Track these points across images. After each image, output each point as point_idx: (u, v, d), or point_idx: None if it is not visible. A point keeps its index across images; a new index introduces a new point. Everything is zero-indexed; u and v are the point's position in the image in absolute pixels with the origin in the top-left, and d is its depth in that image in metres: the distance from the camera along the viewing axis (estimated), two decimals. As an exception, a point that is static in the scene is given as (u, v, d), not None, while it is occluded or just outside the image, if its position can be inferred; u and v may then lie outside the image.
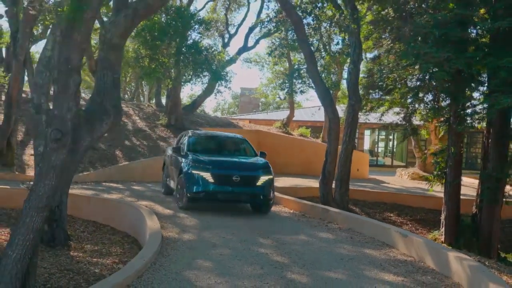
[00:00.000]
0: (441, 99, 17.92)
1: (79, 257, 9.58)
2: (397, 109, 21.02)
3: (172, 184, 15.45)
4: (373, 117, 22.74)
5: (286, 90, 27.06)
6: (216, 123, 27.94)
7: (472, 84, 16.28)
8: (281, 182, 20.76)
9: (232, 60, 25.41)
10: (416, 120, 20.51)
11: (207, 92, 26.02)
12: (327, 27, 21.21)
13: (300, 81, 25.65)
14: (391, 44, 18.07)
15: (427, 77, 15.95)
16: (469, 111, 16.66)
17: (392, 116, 20.85)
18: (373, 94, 20.46)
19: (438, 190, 18.82)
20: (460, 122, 16.36)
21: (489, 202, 16.29)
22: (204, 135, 17.45)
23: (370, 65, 20.19)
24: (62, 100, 6.21)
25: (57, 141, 6.23)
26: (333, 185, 18.33)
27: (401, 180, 28.73)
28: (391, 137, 39.59)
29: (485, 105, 15.34)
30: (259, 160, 15.05)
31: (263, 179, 13.86)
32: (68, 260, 9.15)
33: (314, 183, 19.55)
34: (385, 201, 20.23)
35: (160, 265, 8.51)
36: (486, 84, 16.19)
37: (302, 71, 24.84)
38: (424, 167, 29.68)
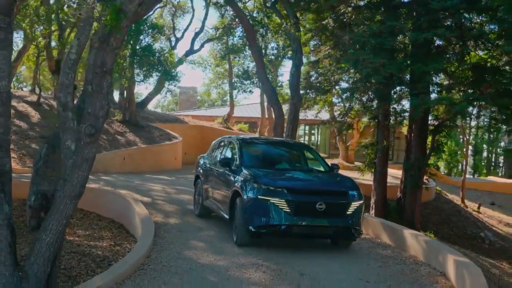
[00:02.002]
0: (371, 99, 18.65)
1: (76, 241, 9.59)
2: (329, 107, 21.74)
3: (217, 206, 10.70)
4: (310, 115, 23.27)
5: (237, 89, 27.41)
6: (165, 119, 27.92)
7: (401, 87, 17.16)
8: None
9: (180, 62, 25.49)
10: (349, 117, 21.20)
11: (157, 90, 26.00)
12: (273, 34, 21.57)
13: (249, 81, 26.03)
14: (329, 50, 18.66)
15: (363, 80, 16.54)
16: (398, 109, 17.57)
17: (326, 114, 21.54)
18: (311, 94, 21.07)
19: (367, 178, 19.56)
20: (389, 119, 17.26)
21: (412, 187, 17.13)
22: (258, 143, 12.49)
23: (309, 68, 20.70)
24: (95, 99, 6.31)
25: (90, 136, 6.34)
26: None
27: (328, 169, 29.49)
28: (313, 131, 40.46)
29: (411, 105, 16.14)
30: (343, 178, 10.52)
31: (354, 205, 9.36)
32: (69, 244, 9.16)
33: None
34: None
35: (161, 246, 8.71)
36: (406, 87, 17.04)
37: (250, 73, 25.23)
38: (347, 157, 30.59)
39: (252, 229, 8.96)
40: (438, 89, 17.14)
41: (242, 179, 9.55)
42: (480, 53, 16.70)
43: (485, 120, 20.28)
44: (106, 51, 6.19)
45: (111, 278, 6.71)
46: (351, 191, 9.57)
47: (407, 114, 17.17)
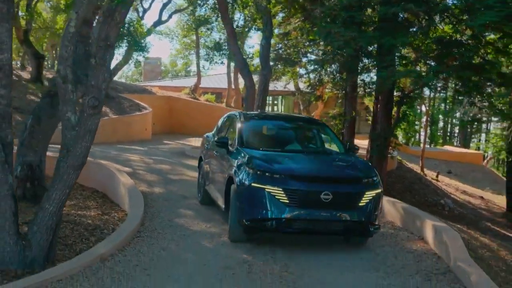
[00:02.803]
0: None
1: (64, 211, 9.58)
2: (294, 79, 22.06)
3: (215, 194, 9.24)
4: (279, 86, 23.53)
5: (209, 61, 27.40)
6: (134, 90, 27.72)
7: (369, 59, 17.52)
8: (199, 142, 21.09)
9: (149, 32, 25.26)
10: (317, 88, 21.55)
11: (126, 61, 25.75)
12: (243, 7, 21.60)
13: (220, 52, 26.04)
14: (299, 23, 18.87)
15: (334, 53, 16.82)
16: (367, 81, 18.00)
17: (291, 85, 21.83)
18: (280, 66, 21.35)
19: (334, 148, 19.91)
20: (356, 90, 17.68)
21: (378, 157, 17.59)
22: (262, 119, 10.60)
23: (278, 40, 20.90)
24: (99, 72, 6.41)
25: (94, 108, 6.45)
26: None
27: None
28: (276, 102, 40.75)
29: (379, 77, 16.52)
30: (357, 161, 8.71)
31: (369, 195, 7.69)
32: (58, 214, 9.21)
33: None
34: None
35: (151, 214, 8.89)
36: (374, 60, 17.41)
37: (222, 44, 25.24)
38: (311, 128, 30.95)
39: (246, 223, 7.44)
40: (404, 62, 17.59)
41: (238, 162, 7.93)
42: (445, 27, 17.17)
43: (443, 92, 20.78)
44: (110, 25, 6.29)
45: (113, 246, 6.89)
46: (365, 177, 7.84)
47: (375, 85, 17.57)
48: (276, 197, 7.30)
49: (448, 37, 16.46)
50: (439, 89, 17.23)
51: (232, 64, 29.72)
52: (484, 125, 41.68)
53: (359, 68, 17.67)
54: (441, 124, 43.01)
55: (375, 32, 16.78)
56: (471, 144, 43.81)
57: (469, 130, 40.85)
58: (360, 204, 7.55)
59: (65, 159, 6.54)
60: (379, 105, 18.20)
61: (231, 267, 6.67)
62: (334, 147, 9.60)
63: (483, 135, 42.47)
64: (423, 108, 34.45)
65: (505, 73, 17.06)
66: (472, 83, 16.84)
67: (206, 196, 9.98)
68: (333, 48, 16.20)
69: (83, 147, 6.53)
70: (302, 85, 27.55)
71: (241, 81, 33.45)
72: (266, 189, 7.33)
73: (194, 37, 33.26)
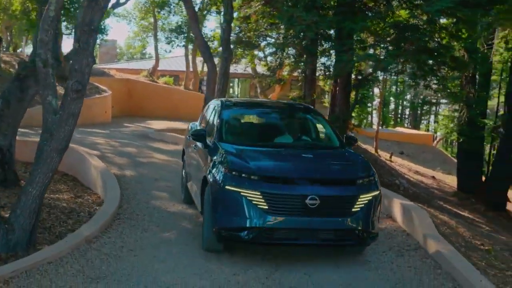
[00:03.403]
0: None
1: (36, 194, 9.60)
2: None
3: (193, 193, 8.11)
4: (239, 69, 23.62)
5: (171, 44, 27.17)
6: (92, 72, 26.94)
7: (328, 43, 17.81)
8: (162, 125, 21.09)
9: (107, 14, 24.85)
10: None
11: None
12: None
13: (182, 36, 25.84)
14: (259, 6, 18.96)
15: (296, 36, 17.01)
16: (327, 65, 18.31)
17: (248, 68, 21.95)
18: (240, 49, 21.42)
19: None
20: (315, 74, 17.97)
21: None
22: (246, 107, 9.44)
23: (239, 23, 20.93)
24: (82, 56, 6.43)
25: (77, 92, 6.48)
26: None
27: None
28: (231, 84, 40.77)
29: (338, 60, 16.84)
30: (352, 158, 7.48)
31: (364, 199, 6.56)
32: (31, 197, 9.17)
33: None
34: None
35: (127, 197, 8.95)
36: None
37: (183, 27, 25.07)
38: (268, 110, 31.18)
39: (220, 232, 6.35)
40: (361, 46, 17.96)
41: (213, 160, 6.82)
42: (401, 12, 17.57)
43: (400, 75, 21.27)
44: (94, 9, 6.29)
45: (96, 228, 6.96)
46: (360, 177, 6.68)
47: (335, 69, 17.87)
48: (254, 202, 6.16)
49: (404, 22, 16.91)
50: (397, 72, 17.56)
51: (190, 46, 29.62)
52: (433, 107, 42.81)
53: (318, 51, 17.98)
54: (392, 106, 43.94)
55: (335, 16, 17.12)
56: (421, 126, 45.08)
57: (419, 112, 41.89)
58: (353, 209, 6.38)
59: (49, 143, 6.55)
60: (337, 88, 18.55)
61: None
62: (326, 139, 8.33)
63: (432, 116, 43.64)
64: (376, 91, 35.11)
65: (457, 57, 17.57)
66: (427, 66, 17.39)
67: (188, 195, 8.68)
68: (295, 32, 16.37)
69: (66, 130, 6.55)
70: (259, 68, 27.74)
71: (199, 64, 33.46)
72: (242, 193, 6.20)
73: (152, 20, 32.91)
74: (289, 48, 18.71)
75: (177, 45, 27.70)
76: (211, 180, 6.62)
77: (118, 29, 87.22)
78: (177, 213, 8.37)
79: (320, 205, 6.22)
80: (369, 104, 39.25)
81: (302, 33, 15.91)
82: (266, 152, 7.17)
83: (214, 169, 6.66)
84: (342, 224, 6.39)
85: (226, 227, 6.33)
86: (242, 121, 8.64)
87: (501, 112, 22.08)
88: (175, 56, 40.78)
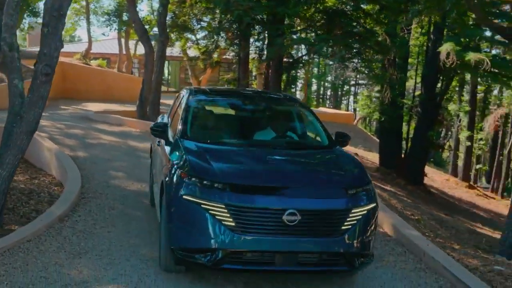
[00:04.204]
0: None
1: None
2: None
3: (156, 197, 6.45)
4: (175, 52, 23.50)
5: (109, 27, 26.51)
6: (25, 56, 26.08)
7: (262, 27, 18.09)
8: (99, 107, 20.77)
9: (39, -3, 24.00)
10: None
11: (17, 26, 24.24)
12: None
13: (118, 19, 25.28)
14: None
15: (233, 21, 17.16)
16: (260, 47, 18.59)
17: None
18: (175, 32, 21.37)
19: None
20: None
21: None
22: (217, 96, 7.64)
23: (174, 7, 20.84)
24: (51, 40, 6.38)
25: (46, 75, 6.43)
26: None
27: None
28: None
29: (271, 44, 17.17)
30: (343, 159, 5.98)
31: (357, 213, 5.08)
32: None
33: (128, 108, 20.19)
34: None
35: (86, 176, 8.93)
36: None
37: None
38: (199, 92, 31.19)
39: (178, 253, 4.96)
40: (291, 30, 18.36)
41: (172, 161, 5.46)
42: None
43: (331, 59, 21.82)
44: (64, -5, 6.24)
45: (66, 207, 6.96)
46: (352, 187, 5.13)
47: (269, 52, 18.19)
48: (217, 217, 4.73)
49: (333, 8, 17.44)
50: (327, 55, 18.07)
51: (123, 29, 29.13)
52: (352, 88, 44.09)
53: (253, 35, 18.25)
54: (314, 87, 44.85)
55: (269, 2, 17.41)
56: (341, 106, 46.29)
57: (339, 92, 43.02)
58: (343, 226, 4.92)
59: (18, 125, 6.47)
60: (270, 70, 18.92)
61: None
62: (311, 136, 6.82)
63: (352, 97, 44.96)
64: (299, 72, 35.70)
65: (381, 41, 18.28)
66: (354, 50, 18.05)
67: (153, 198, 7.12)
68: (232, 17, 16.53)
69: (36, 113, 6.50)
70: (191, 52, 27.74)
71: (132, 47, 32.98)
72: (202, 205, 4.77)
73: (84, 3, 32.00)
74: (226, 33, 18.84)
75: (115, 29, 27.15)
76: (167, 186, 5.22)
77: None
78: (137, 191, 8.44)
79: (301, 221, 4.73)
80: (292, 86, 39.92)
81: (239, 18, 16.10)
82: (237, 153, 5.66)
83: (172, 172, 5.23)
84: (329, 246, 4.91)
85: (183, 247, 4.91)
86: (213, 113, 6.89)
87: (418, 92, 23.16)
88: (107, 39, 39.83)
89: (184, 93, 7.08)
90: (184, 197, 4.89)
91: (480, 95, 27.72)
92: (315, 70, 43.60)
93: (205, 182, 4.88)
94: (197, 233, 4.83)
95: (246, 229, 4.74)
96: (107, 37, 39.97)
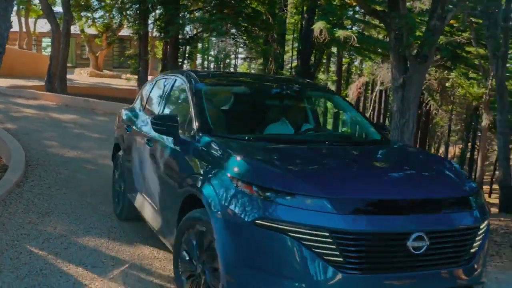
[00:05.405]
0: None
1: None
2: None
3: (151, 213, 4.48)
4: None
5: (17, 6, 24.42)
6: None
7: (163, 7, 17.91)
8: (5, 83, 19.48)
9: None
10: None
11: None
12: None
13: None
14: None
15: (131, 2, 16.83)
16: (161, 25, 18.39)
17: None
18: (77, 12, 20.51)
19: (132, 84, 20.16)
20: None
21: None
22: (229, 82, 5.27)
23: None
24: (1, 21, 6.14)
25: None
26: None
27: (84, 77, 28.77)
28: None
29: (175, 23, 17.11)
30: (425, 155, 4.51)
31: (482, 230, 3.22)
32: None
33: (34, 83, 19.38)
34: (97, 93, 20.38)
35: (24, 147, 8.60)
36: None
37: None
38: (96, 66, 30.18)
39: None
40: (187, 10, 18.39)
41: (209, 167, 3.44)
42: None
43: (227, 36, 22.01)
44: (12, -21, 6.01)
45: (20, 174, 6.78)
46: (471, 193, 3.35)
47: (169, 30, 18.07)
48: (316, 249, 2.82)
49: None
50: (222, 33, 18.28)
51: (23, 8, 27.27)
52: (233, 61, 44.74)
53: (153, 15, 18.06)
54: (199, 61, 44.80)
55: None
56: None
57: (221, 65, 43.47)
58: (472, 249, 3.20)
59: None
60: (168, 46, 18.86)
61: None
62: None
63: (232, 69, 45.42)
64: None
65: (265, 20, 18.84)
66: (244, 28, 18.50)
67: (130, 209, 5.31)
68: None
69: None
70: (89, 30, 26.70)
71: (31, 25, 31.00)
72: (291, 233, 2.85)
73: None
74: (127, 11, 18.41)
75: (21, 8, 25.21)
76: (216, 206, 3.11)
77: None
78: (75, 157, 8.33)
79: (429, 248, 2.96)
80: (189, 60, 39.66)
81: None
82: (302, 153, 3.71)
83: (218, 184, 3.19)
84: (459, 278, 3.14)
85: None
86: (232, 105, 4.77)
87: (294, 64, 24.13)
88: None
89: (177, 80, 4.83)
90: (258, 222, 2.89)
91: (344, 66, 29.35)
92: (199, 45, 43.54)
93: (288, 197, 2.90)
94: (281, 276, 2.84)
95: (361, 265, 2.84)
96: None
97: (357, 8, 20.22)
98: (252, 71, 36.03)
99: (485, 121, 20.35)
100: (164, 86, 5.18)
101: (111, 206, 5.95)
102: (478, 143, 26.37)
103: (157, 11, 18.77)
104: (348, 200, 2.92)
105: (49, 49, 37.93)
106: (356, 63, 30.77)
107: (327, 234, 2.80)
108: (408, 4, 15.17)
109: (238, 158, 3.27)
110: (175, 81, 4.90)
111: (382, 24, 15.78)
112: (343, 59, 27.42)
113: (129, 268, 4.35)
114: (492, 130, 22.49)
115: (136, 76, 19.72)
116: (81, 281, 4.03)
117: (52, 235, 4.94)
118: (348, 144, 4.22)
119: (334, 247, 2.80)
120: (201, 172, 3.50)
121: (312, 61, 21.97)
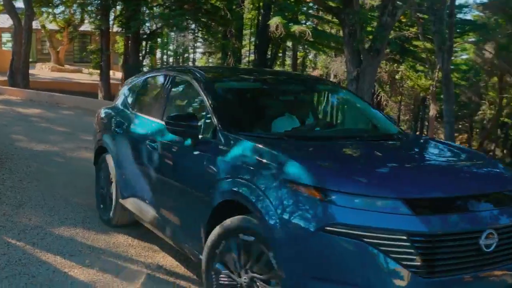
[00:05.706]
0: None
1: None
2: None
3: (151, 214, 4.18)
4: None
5: None
6: None
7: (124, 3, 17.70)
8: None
9: None
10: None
11: None
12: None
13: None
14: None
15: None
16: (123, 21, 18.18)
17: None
18: (38, 7, 20.00)
19: (95, 78, 19.91)
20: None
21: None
22: (239, 78, 4.87)
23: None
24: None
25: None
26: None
27: (45, 72, 27.99)
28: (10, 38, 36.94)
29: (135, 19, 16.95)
30: (455, 148, 3.96)
31: None
32: None
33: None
34: (60, 88, 20.01)
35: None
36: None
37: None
38: (58, 61, 29.49)
39: None
40: (149, 5, 18.25)
41: (251, 167, 3.02)
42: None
43: (189, 31, 21.86)
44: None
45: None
46: None
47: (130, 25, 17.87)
48: (393, 255, 2.53)
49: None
50: (182, 28, 18.23)
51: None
52: (191, 55, 44.50)
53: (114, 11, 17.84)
54: (158, 55, 44.35)
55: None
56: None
57: (181, 60, 43.19)
58: None
59: None
60: (130, 41, 18.68)
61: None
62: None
63: (190, 63, 45.16)
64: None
65: (224, 16, 18.92)
66: (203, 23, 18.52)
67: (123, 215, 4.92)
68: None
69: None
70: (50, 25, 26.12)
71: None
72: (366, 238, 2.54)
73: None
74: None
75: None
76: (272, 217, 2.74)
77: None
78: (44, 151, 8.20)
79: (498, 245, 2.78)
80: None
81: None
82: (350, 151, 3.48)
83: (269, 192, 2.82)
84: None
85: None
86: (243, 100, 4.50)
87: (252, 57, 24.31)
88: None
89: (172, 75, 4.57)
90: (327, 229, 2.58)
91: (299, 60, 29.69)
92: (159, 40, 43.07)
93: (357, 200, 2.62)
94: (355, 286, 2.58)
95: (438, 267, 2.61)
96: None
97: (311, 4, 20.49)
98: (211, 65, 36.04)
99: (432, 111, 21.09)
100: (160, 84, 4.76)
101: (83, 197, 5.93)
102: (426, 132, 27.26)
103: (118, 7, 18.50)
104: (423, 200, 2.71)
105: (9, 45, 36.83)
106: (311, 56, 31.20)
107: (405, 237, 2.52)
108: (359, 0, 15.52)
109: (292, 159, 2.88)
110: (173, 79, 4.51)
111: (335, 20, 16.13)
112: (298, 53, 27.73)
113: (106, 256, 4.40)
114: (438, 120, 23.33)
115: (98, 71, 19.48)
116: (61, 269, 4.06)
117: (28, 226, 4.92)
118: (383, 139, 3.92)
119: (412, 250, 2.53)
120: (242, 176, 3.04)
121: (269, 55, 22.22)
